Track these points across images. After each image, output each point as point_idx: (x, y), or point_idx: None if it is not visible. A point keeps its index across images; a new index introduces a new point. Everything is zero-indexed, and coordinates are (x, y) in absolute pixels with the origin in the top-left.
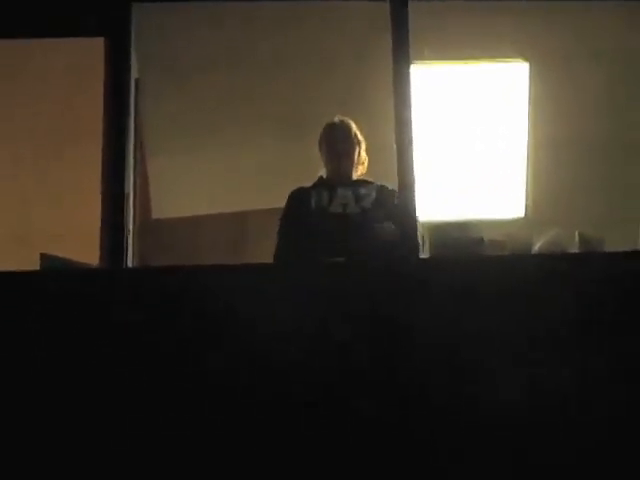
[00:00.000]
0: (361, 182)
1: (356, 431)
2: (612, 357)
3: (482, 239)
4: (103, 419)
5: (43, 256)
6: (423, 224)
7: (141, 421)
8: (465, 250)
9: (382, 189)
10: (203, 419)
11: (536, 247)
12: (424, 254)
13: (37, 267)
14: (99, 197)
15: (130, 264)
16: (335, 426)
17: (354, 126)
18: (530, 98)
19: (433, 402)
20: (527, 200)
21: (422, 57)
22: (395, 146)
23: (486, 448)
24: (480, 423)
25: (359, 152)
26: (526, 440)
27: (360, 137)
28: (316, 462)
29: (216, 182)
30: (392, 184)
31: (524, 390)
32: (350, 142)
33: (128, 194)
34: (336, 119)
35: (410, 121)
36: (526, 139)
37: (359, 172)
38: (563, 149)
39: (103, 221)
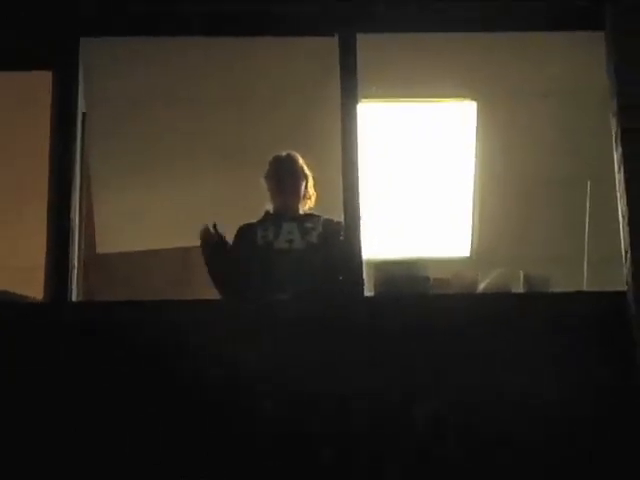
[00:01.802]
0: (307, 216)
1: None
2: (553, 396)
3: (428, 278)
4: (41, 451)
5: None
6: (368, 261)
7: (80, 457)
8: (410, 288)
9: (328, 223)
10: (138, 449)
11: (481, 286)
12: (369, 292)
13: None
14: (45, 231)
15: (74, 298)
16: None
17: (300, 160)
18: (477, 137)
19: (379, 439)
20: (473, 239)
21: (370, 95)
22: (341, 183)
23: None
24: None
25: (305, 186)
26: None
27: (307, 171)
28: None
29: (160, 217)
30: (338, 218)
31: (458, 430)
32: (296, 176)
33: (73, 228)
34: (283, 153)
35: (357, 158)
36: (473, 178)
37: (307, 206)
38: (509, 188)
39: (48, 255)
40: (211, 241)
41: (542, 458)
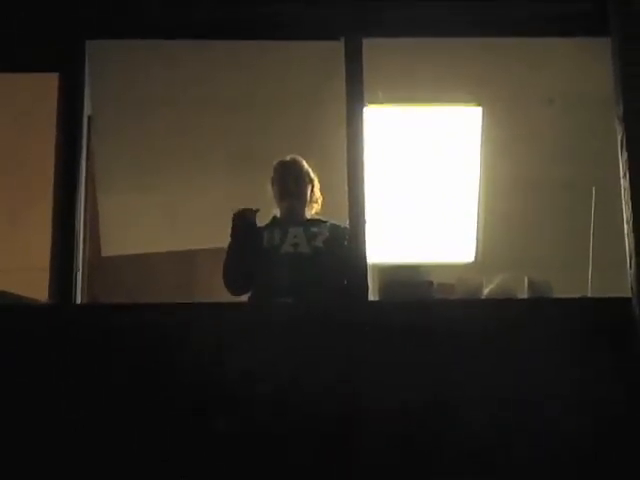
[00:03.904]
0: (314, 221)
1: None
2: (557, 402)
3: (432, 283)
4: (48, 461)
5: None
6: (373, 266)
7: (88, 461)
8: (414, 293)
9: (335, 228)
10: (140, 451)
11: (485, 292)
12: (373, 296)
13: None
14: (50, 234)
15: (79, 301)
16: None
17: (305, 164)
18: (482, 142)
19: (383, 445)
20: (477, 244)
21: (376, 100)
22: (347, 187)
23: None
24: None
25: (311, 190)
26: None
27: (312, 175)
28: None
29: (166, 220)
30: (345, 224)
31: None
32: (301, 181)
33: (78, 231)
34: (287, 157)
35: (362, 163)
36: (478, 183)
37: (313, 211)
38: (514, 193)
39: (53, 258)
40: (249, 218)
41: (545, 465)
